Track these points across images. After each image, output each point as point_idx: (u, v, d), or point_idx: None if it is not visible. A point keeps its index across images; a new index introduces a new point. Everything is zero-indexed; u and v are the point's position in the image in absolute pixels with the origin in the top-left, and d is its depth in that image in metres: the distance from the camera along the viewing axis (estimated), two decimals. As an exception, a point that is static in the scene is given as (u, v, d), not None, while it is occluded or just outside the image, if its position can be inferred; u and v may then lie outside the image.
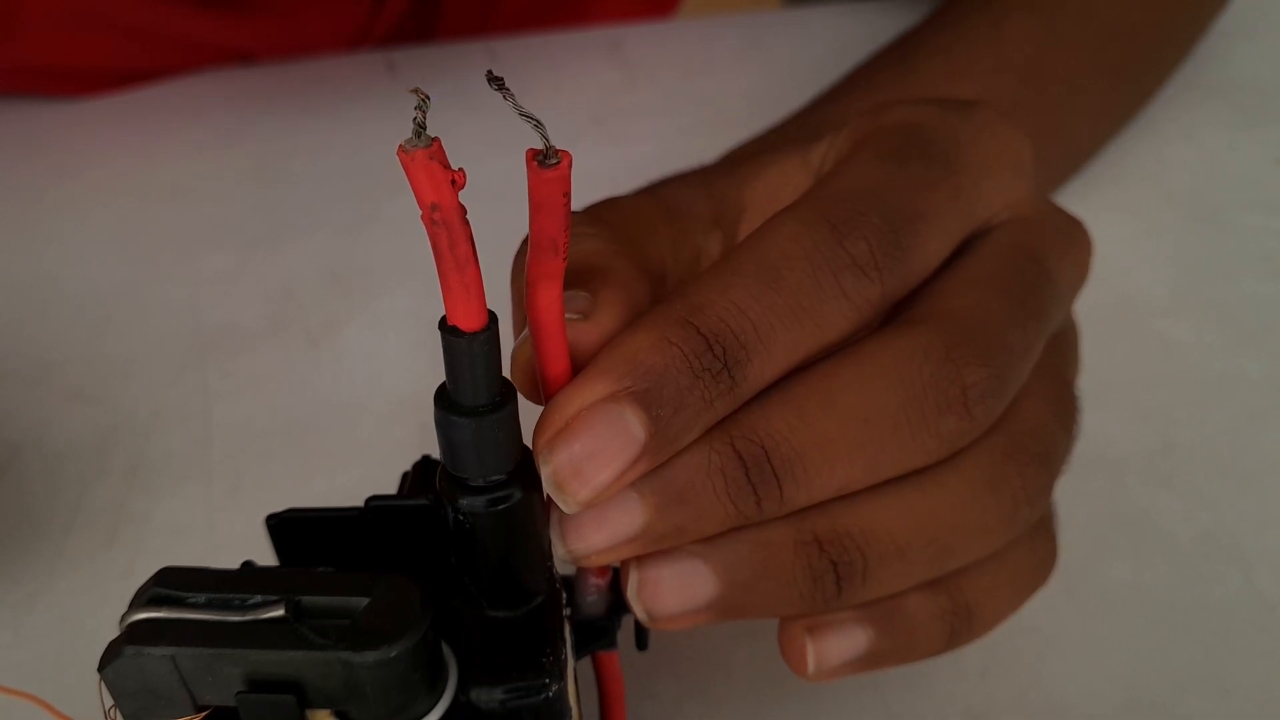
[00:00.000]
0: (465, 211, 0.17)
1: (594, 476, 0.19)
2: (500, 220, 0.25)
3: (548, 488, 0.20)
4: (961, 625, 0.22)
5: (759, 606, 0.21)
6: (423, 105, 0.16)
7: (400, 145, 0.16)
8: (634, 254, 0.22)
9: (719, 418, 0.20)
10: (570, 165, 0.17)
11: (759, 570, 0.20)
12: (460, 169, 0.17)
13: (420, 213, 0.17)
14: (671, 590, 0.21)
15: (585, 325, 0.20)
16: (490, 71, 0.16)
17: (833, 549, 0.20)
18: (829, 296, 0.20)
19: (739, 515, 0.20)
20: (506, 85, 0.16)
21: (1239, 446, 0.36)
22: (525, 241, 0.20)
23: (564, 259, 0.19)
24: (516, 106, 0.16)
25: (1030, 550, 0.23)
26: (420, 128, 0.16)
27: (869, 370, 0.20)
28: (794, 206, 0.21)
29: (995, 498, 0.21)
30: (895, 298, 0.21)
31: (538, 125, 0.17)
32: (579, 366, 0.20)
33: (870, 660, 0.22)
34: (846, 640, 0.22)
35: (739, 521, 0.20)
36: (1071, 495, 0.34)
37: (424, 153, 0.16)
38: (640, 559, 0.21)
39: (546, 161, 0.17)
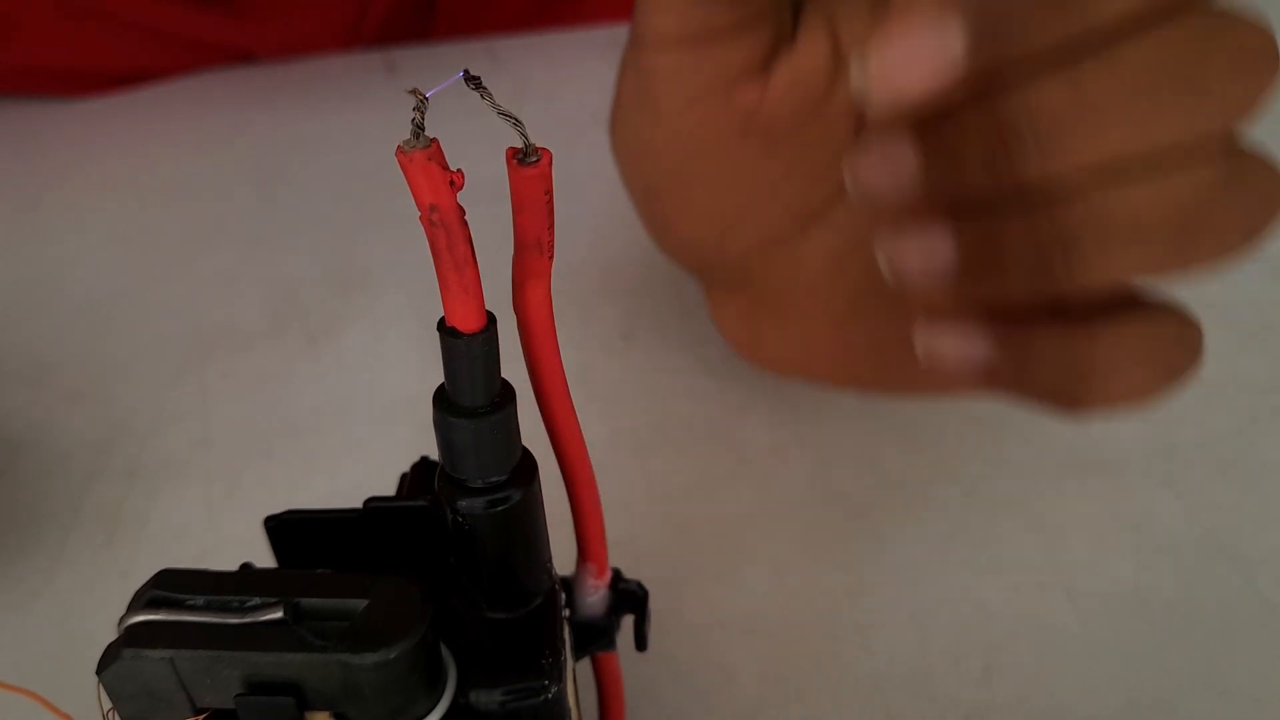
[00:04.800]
0: (464, 212, 0.17)
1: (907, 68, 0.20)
2: (500, 221, 0.25)
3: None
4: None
5: (990, 280, 0.22)
6: (421, 106, 0.16)
7: (399, 146, 0.16)
8: None
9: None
10: (550, 163, 0.17)
11: (995, 244, 0.21)
12: (459, 170, 0.17)
13: (419, 213, 0.17)
14: (914, 252, 0.22)
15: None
16: (466, 71, 0.17)
17: (1065, 229, 0.20)
18: None
19: (992, 181, 0.20)
20: (484, 85, 0.16)
21: (1240, 447, 0.36)
22: None
23: (550, 257, 0.19)
24: (494, 105, 0.16)
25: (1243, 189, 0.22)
26: (419, 128, 0.16)
27: (1151, 39, 0.19)
28: None
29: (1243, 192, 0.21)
30: None
31: (516, 123, 0.17)
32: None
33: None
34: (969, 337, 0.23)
35: (994, 181, 0.20)
36: (1071, 495, 0.34)
37: (422, 153, 0.16)
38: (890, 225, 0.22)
39: (526, 159, 0.17)
